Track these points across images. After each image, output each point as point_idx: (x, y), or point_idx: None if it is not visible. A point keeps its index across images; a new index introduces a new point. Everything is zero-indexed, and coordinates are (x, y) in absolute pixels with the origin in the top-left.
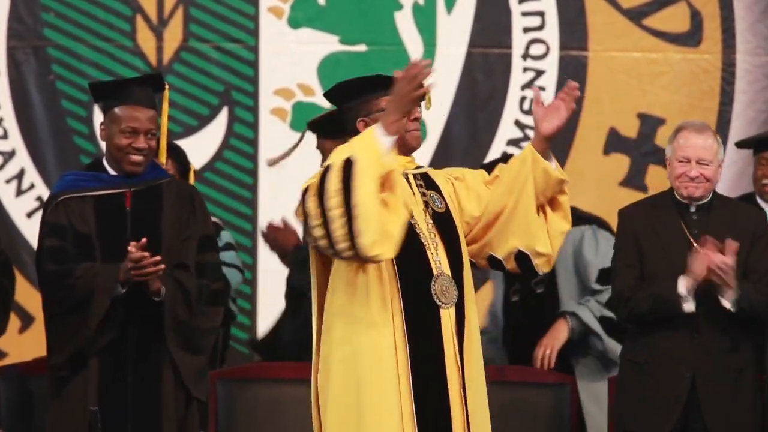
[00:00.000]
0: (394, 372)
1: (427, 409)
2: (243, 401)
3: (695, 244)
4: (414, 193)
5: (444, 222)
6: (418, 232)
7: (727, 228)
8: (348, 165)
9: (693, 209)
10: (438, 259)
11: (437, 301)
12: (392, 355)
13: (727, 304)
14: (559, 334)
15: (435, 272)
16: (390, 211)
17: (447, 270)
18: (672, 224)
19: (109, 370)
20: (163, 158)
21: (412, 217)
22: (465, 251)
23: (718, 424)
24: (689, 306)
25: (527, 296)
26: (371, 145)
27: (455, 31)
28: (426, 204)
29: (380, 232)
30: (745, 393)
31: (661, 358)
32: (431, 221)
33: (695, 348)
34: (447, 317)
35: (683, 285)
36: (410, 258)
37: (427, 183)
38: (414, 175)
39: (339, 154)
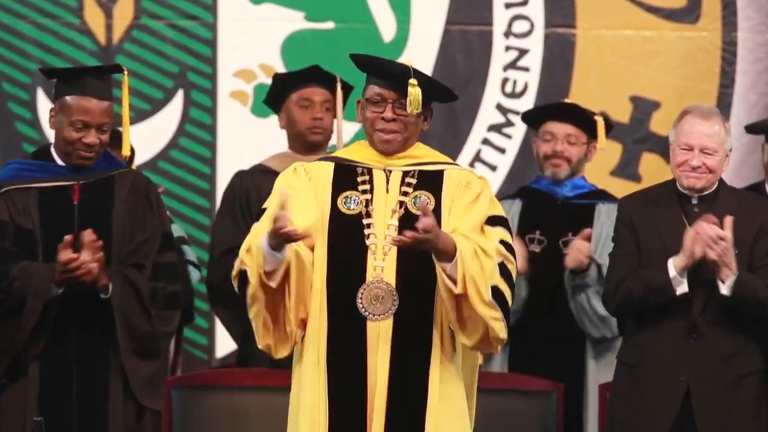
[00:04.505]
0: (316, 392)
1: None
2: (200, 411)
3: (688, 226)
4: (388, 191)
5: (413, 225)
6: (368, 233)
7: None
8: None
9: (695, 201)
10: (381, 265)
11: (363, 311)
12: (315, 371)
13: (724, 289)
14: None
15: (368, 279)
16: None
17: (390, 278)
18: (672, 216)
19: (51, 378)
20: (126, 151)
21: (368, 215)
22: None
23: None
24: (682, 288)
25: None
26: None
27: (431, 6)
28: (401, 204)
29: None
30: (746, 401)
31: (654, 360)
32: (396, 223)
33: (692, 350)
34: (376, 331)
35: (673, 266)
36: (344, 263)
37: (422, 182)
38: (406, 173)
39: None
